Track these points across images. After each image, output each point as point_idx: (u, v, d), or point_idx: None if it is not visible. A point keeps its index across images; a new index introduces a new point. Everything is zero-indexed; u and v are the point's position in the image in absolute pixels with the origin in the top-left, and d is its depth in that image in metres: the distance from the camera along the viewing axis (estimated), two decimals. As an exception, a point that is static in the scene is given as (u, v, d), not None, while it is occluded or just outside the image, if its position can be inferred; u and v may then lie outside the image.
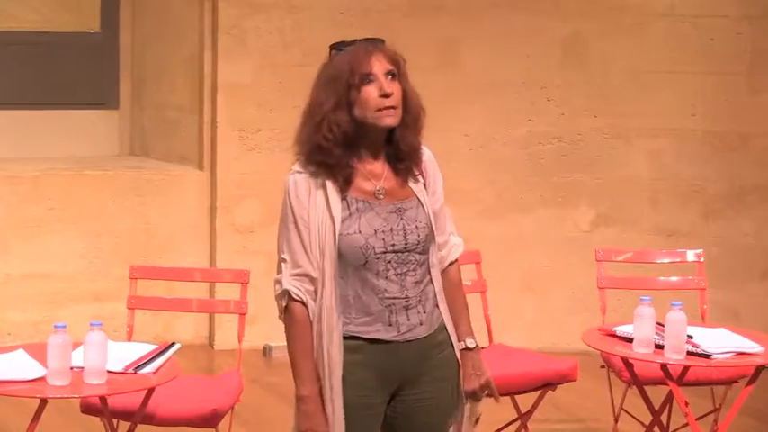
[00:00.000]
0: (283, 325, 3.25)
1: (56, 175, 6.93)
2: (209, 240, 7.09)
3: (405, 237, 3.19)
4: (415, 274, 3.21)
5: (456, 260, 3.37)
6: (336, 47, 3.22)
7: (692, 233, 7.05)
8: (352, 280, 3.17)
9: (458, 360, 3.31)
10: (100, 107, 7.65)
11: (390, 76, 3.17)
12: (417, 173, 3.26)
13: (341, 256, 3.15)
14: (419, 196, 3.25)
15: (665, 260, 5.61)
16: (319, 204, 3.17)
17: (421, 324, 3.22)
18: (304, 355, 3.21)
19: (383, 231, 3.17)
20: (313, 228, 3.16)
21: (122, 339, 4.59)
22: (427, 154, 3.32)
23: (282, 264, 3.20)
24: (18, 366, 3.92)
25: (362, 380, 3.19)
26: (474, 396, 3.33)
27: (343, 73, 3.16)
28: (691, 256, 5.45)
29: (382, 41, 3.23)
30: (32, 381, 3.83)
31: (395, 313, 3.18)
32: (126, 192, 6.99)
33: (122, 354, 4.05)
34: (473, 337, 3.33)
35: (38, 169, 6.96)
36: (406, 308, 3.19)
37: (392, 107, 3.15)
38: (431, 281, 3.25)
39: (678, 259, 5.56)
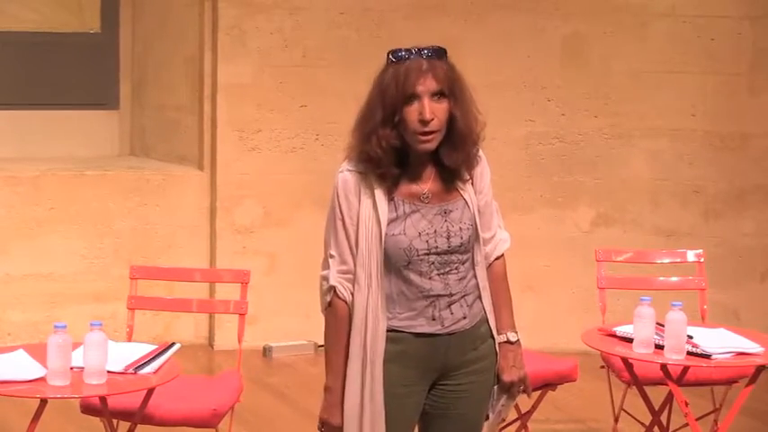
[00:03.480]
0: (324, 318, 3.31)
1: (56, 175, 6.93)
2: (209, 241, 7.09)
3: (448, 239, 3.23)
4: (458, 272, 3.26)
5: (502, 255, 3.40)
6: (393, 54, 3.19)
7: (693, 233, 7.05)
8: (396, 279, 3.22)
9: (496, 352, 3.34)
10: (100, 107, 7.65)
11: (437, 97, 3.17)
12: (467, 179, 3.29)
13: (386, 255, 3.20)
14: (464, 196, 3.29)
15: (666, 260, 5.60)
16: (367, 204, 3.22)
17: (464, 318, 3.27)
18: (338, 350, 3.26)
19: (427, 234, 3.21)
20: (361, 225, 3.21)
21: (122, 339, 4.59)
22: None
23: (330, 260, 3.26)
24: (18, 366, 3.92)
25: (403, 368, 3.23)
26: (510, 388, 3.34)
27: (390, 90, 3.16)
28: (691, 256, 5.45)
29: (441, 53, 3.21)
30: (32, 381, 3.83)
31: (438, 309, 3.23)
32: (126, 192, 6.99)
33: (122, 354, 4.05)
34: (515, 331, 3.37)
35: (38, 169, 6.96)
36: (450, 303, 3.24)
37: (430, 132, 3.16)
38: (474, 275, 3.30)
39: (678, 259, 5.55)
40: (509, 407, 3.40)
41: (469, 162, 3.28)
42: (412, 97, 3.15)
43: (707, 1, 7.04)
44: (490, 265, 3.38)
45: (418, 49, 3.19)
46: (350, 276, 3.24)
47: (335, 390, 3.26)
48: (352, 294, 3.24)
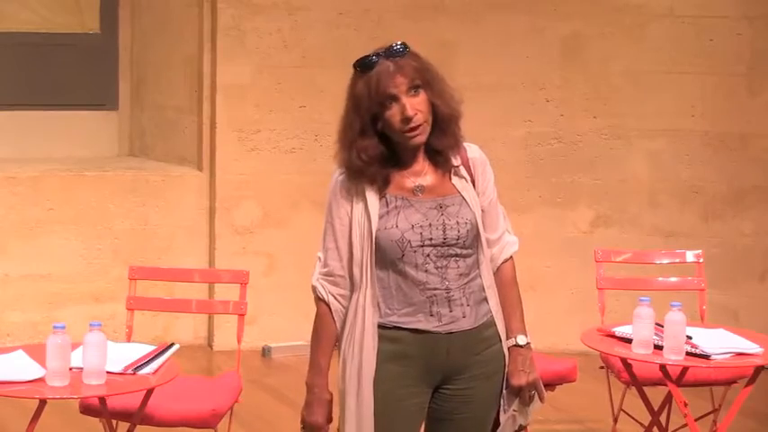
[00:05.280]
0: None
1: (55, 175, 6.93)
2: (209, 241, 7.09)
3: (444, 232, 3.22)
4: (458, 267, 3.24)
5: (510, 257, 3.40)
6: (359, 65, 3.20)
7: (692, 234, 7.05)
8: (393, 273, 3.22)
9: (505, 357, 3.32)
10: (99, 108, 7.65)
11: (413, 90, 3.18)
12: (458, 164, 3.29)
13: (380, 250, 3.20)
14: (463, 194, 3.28)
15: (665, 261, 5.60)
16: (359, 202, 3.23)
17: (464, 317, 3.24)
18: (317, 348, 3.29)
19: (421, 226, 3.21)
20: (354, 226, 3.23)
21: (122, 340, 4.59)
22: (476, 152, 3.35)
23: (317, 262, 3.31)
24: (17, 367, 3.92)
25: (403, 369, 3.23)
26: (520, 393, 3.31)
27: (363, 100, 3.17)
28: (690, 256, 5.45)
29: (404, 50, 3.20)
30: (32, 381, 3.83)
31: (436, 304, 3.22)
32: (125, 192, 6.99)
33: (121, 354, 4.05)
34: (525, 335, 3.34)
35: (37, 170, 6.96)
36: (449, 299, 3.22)
37: (417, 126, 3.18)
38: (479, 275, 3.28)
39: (677, 260, 5.56)
40: (524, 413, 3.35)
41: (453, 147, 3.28)
42: (389, 100, 3.16)
43: (705, 1, 7.04)
44: (499, 268, 3.37)
45: (381, 52, 3.19)
46: (331, 279, 3.26)
47: (313, 387, 3.27)
48: (338, 297, 3.26)
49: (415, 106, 3.17)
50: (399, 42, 3.22)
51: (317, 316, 3.30)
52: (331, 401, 3.28)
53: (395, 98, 3.16)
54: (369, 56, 3.20)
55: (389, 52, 3.19)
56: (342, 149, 3.24)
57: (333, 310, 3.27)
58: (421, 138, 3.20)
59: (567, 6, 7.05)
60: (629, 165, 7.12)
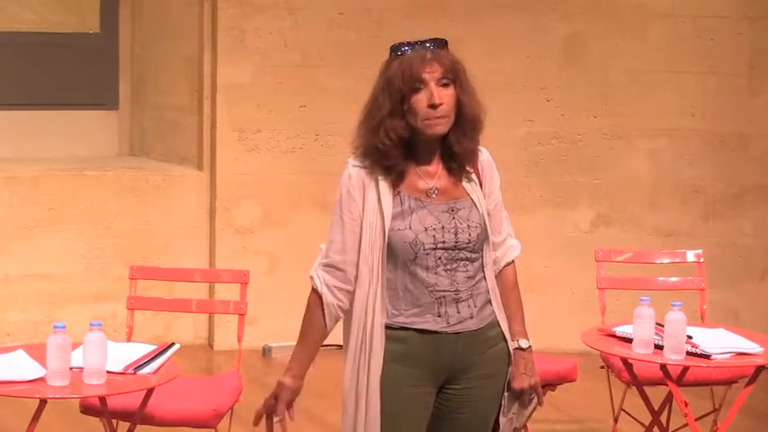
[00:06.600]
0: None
1: (55, 175, 6.93)
2: (209, 241, 7.09)
3: (456, 235, 3.23)
4: (467, 270, 3.25)
5: (512, 261, 3.41)
6: (396, 49, 3.22)
7: (692, 233, 7.05)
8: (402, 274, 3.22)
9: (510, 357, 3.33)
10: (99, 107, 7.65)
11: (443, 83, 3.19)
12: (471, 170, 3.30)
13: (391, 250, 3.20)
14: (473, 197, 3.29)
15: (665, 260, 5.60)
16: (371, 199, 3.22)
17: (471, 317, 3.25)
18: (301, 346, 3.29)
19: (434, 229, 3.21)
20: (365, 222, 3.22)
21: (122, 340, 4.60)
22: (485, 154, 3.35)
23: (319, 252, 3.30)
24: (18, 367, 3.92)
25: (409, 368, 3.23)
26: (521, 395, 3.34)
27: (395, 80, 3.18)
28: (690, 256, 5.45)
29: (443, 44, 3.23)
30: (32, 381, 3.83)
31: (444, 305, 3.22)
32: (125, 192, 6.99)
33: (122, 354, 4.05)
34: (527, 338, 3.36)
35: (37, 170, 6.96)
36: (456, 301, 3.23)
37: (440, 117, 3.18)
38: (484, 278, 3.29)
39: (678, 259, 5.56)
40: (522, 415, 3.37)
41: (472, 154, 3.28)
42: (419, 85, 3.17)
43: (706, 1, 7.04)
44: (501, 271, 3.38)
45: (420, 42, 3.21)
46: (330, 270, 3.25)
47: (283, 389, 3.31)
48: (329, 287, 3.23)
49: (443, 98, 3.18)
50: (440, 38, 3.24)
51: (307, 308, 3.28)
52: (293, 400, 3.30)
53: (425, 83, 3.17)
54: (407, 42, 3.22)
55: (428, 43, 3.21)
56: (366, 132, 3.23)
57: (324, 303, 3.24)
58: (441, 129, 3.20)
59: (568, 6, 7.05)
60: (629, 164, 7.12)
